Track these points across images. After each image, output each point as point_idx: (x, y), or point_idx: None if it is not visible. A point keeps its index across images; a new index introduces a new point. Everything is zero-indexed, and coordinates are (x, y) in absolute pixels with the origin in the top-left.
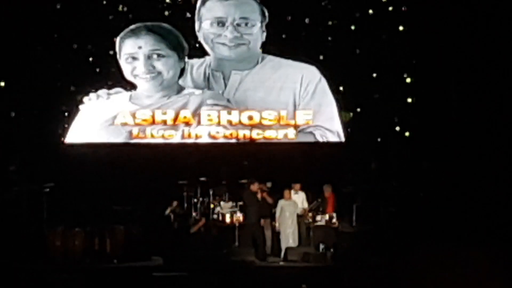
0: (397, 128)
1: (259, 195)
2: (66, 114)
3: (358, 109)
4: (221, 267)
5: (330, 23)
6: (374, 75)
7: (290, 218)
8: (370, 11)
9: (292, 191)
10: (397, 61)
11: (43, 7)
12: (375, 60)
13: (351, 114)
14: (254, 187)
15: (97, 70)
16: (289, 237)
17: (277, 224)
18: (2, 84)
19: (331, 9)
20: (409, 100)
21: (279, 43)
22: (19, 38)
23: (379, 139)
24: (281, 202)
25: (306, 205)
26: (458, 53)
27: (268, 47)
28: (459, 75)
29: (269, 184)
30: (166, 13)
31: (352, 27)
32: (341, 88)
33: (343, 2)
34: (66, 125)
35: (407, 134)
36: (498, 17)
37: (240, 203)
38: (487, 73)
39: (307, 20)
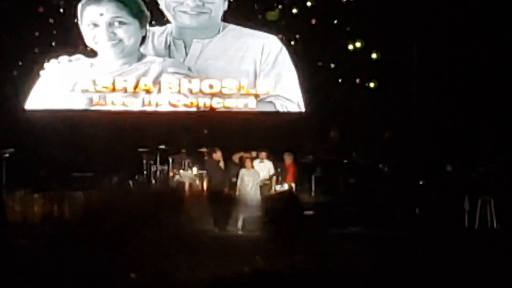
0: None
1: (221, 163)
2: (26, 79)
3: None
4: (178, 235)
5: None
6: None
7: (250, 187)
8: None
9: (258, 160)
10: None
11: None
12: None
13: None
14: (217, 155)
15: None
16: (248, 207)
17: (237, 193)
18: None
19: None
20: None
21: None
22: None
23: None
24: (242, 171)
25: (273, 173)
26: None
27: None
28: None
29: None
30: None
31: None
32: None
33: None
34: (26, 91)
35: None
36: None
37: (200, 171)
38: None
39: None
